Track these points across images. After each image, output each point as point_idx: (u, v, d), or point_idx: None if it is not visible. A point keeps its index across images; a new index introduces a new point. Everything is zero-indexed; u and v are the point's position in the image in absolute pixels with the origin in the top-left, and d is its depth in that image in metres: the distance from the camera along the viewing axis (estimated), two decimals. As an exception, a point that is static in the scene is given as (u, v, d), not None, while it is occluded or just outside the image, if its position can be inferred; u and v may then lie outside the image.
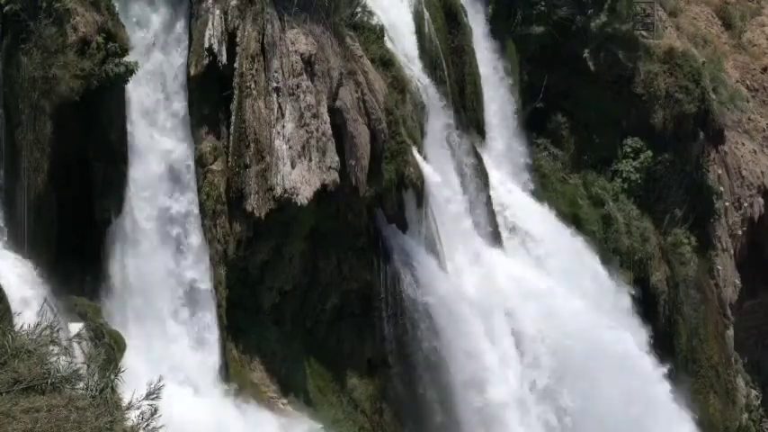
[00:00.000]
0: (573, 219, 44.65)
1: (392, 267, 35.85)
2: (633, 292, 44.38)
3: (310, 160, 32.95)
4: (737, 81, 52.89)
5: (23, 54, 29.00)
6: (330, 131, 33.34)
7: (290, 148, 32.68)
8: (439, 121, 39.26)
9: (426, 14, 39.86)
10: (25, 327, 14.73)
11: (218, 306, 32.44)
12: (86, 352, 25.30)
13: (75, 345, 15.49)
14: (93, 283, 30.68)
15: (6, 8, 28.79)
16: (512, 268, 39.97)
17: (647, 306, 45.17)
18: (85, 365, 14.74)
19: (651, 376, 42.16)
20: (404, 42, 39.07)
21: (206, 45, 32.19)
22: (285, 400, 33.59)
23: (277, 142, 32.59)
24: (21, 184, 29.19)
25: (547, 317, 39.11)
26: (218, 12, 32.51)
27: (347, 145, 33.94)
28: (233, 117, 32.56)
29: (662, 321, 45.88)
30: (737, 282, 49.87)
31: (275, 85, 32.85)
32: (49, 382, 13.84)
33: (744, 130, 51.96)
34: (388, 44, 37.84)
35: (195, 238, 32.32)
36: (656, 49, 47.08)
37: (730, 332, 49.12)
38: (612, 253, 44.93)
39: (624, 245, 45.31)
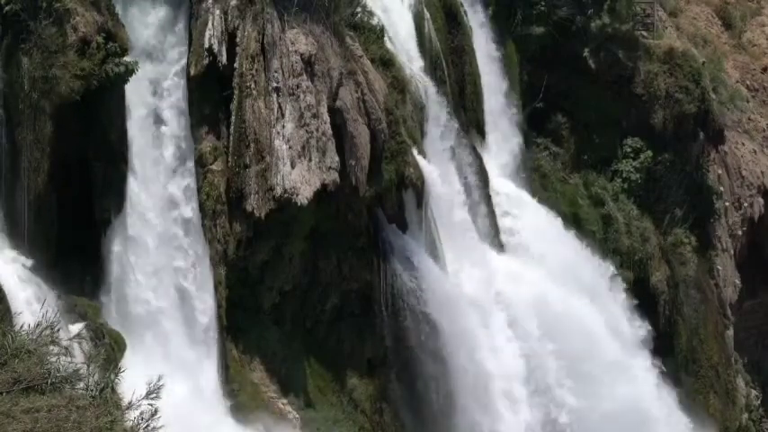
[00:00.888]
0: (573, 219, 44.65)
1: (392, 267, 35.84)
2: (632, 295, 44.42)
3: (310, 160, 32.96)
4: (737, 81, 52.89)
5: (23, 54, 29.00)
6: (330, 131, 33.34)
7: (290, 148, 32.69)
8: (439, 121, 39.26)
9: (426, 14, 39.86)
10: (25, 327, 14.73)
11: (219, 306, 32.43)
12: (86, 352, 25.32)
13: (75, 345, 15.48)
14: (93, 283, 30.68)
15: (6, 8, 28.79)
16: (511, 268, 39.96)
17: (647, 306, 45.15)
18: (85, 365, 14.74)
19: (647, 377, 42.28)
20: (404, 42, 39.08)
21: (206, 45, 32.20)
22: (285, 400, 33.60)
23: (277, 142, 32.59)
24: (21, 184, 29.20)
25: (546, 316, 39.09)
26: (218, 12, 32.52)
27: (347, 145, 33.94)
28: (233, 117, 32.57)
29: (662, 321, 45.86)
30: (737, 282, 49.86)
31: (275, 85, 32.85)
32: (49, 382, 13.84)
33: (744, 130, 51.96)
34: (388, 44, 37.84)
35: (195, 239, 32.33)
36: (656, 49, 47.08)
37: (730, 332, 49.11)
38: (612, 253, 44.93)
39: (624, 245, 45.30)
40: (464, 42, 41.72)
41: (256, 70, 32.69)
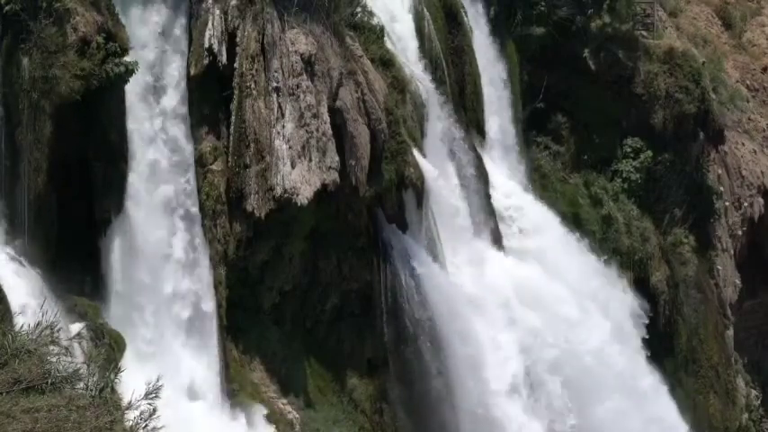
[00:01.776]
0: (573, 219, 44.65)
1: (392, 267, 35.84)
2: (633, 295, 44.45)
3: (310, 160, 32.96)
4: (737, 81, 52.89)
5: (23, 54, 28.98)
6: (330, 131, 33.34)
7: (290, 148, 32.69)
8: (439, 121, 39.25)
9: (426, 14, 39.86)
10: (25, 327, 14.73)
11: (219, 306, 32.43)
12: (86, 352, 25.32)
13: (75, 345, 15.49)
14: (93, 283, 30.66)
15: (6, 8, 28.77)
16: (512, 268, 39.96)
17: (647, 306, 45.16)
18: (85, 365, 14.74)
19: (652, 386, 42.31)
20: (404, 42, 39.08)
21: (206, 45, 32.19)
22: (285, 400, 33.61)
23: (277, 142, 32.59)
24: (21, 184, 29.18)
25: (547, 316, 39.10)
26: (218, 12, 32.51)
27: (347, 145, 33.94)
28: (233, 117, 32.56)
29: (662, 321, 45.87)
30: (737, 282, 49.87)
31: (275, 85, 32.85)
32: (49, 382, 13.84)
33: (744, 130, 51.96)
34: (388, 44, 37.84)
35: (195, 239, 32.33)
36: (656, 49, 47.08)
37: (730, 332, 49.12)
38: (612, 253, 44.93)
39: (624, 245, 45.30)
40: (464, 42, 41.72)
41: (256, 70, 32.68)
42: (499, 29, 44.34)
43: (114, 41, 29.92)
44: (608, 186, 46.06)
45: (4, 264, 28.45)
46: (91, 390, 14.06)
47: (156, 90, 31.99)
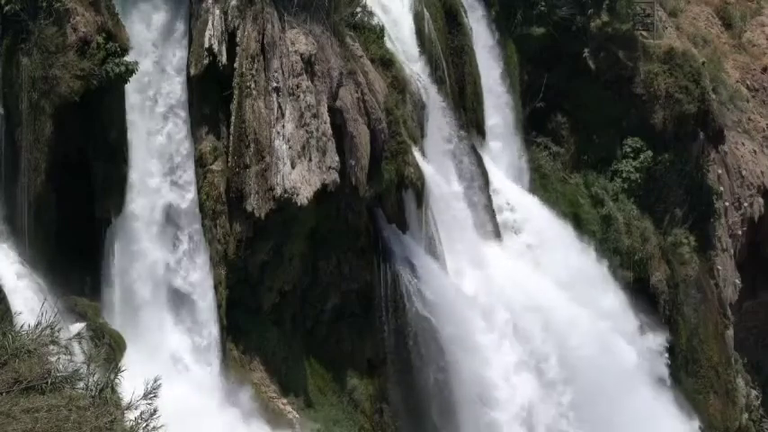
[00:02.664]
0: (573, 219, 44.65)
1: (392, 267, 35.85)
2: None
3: (310, 160, 32.96)
4: (737, 81, 52.87)
5: (23, 54, 28.99)
6: (330, 131, 33.34)
7: (290, 148, 32.69)
8: (439, 121, 39.25)
9: (426, 14, 39.86)
10: (25, 327, 14.73)
11: (219, 306, 32.44)
12: (86, 352, 25.31)
13: (75, 345, 15.49)
14: (93, 283, 30.67)
15: (6, 8, 28.79)
16: (512, 268, 39.96)
17: (647, 306, 45.16)
18: (85, 365, 14.74)
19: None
20: (404, 42, 39.07)
21: (206, 45, 32.18)
22: (285, 400, 33.61)
23: (277, 142, 32.59)
24: (21, 184, 29.19)
25: (547, 316, 39.10)
26: (218, 12, 32.50)
27: (347, 145, 33.94)
28: (233, 117, 32.56)
29: (662, 321, 45.86)
30: (737, 282, 49.86)
31: (275, 85, 32.85)
32: (49, 382, 13.84)
33: (744, 130, 51.94)
34: (388, 44, 37.83)
35: (195, 239, 32.34)
36: (656, 49, 47.07)
37: (730, 332, 49.11)
38: (612, 253, 44.93)
39: (624, 245, 45.30)
40: (464, 42, 41.72)
41: (256, 70, 32.68)
42: (499, 29, 44.34)
43: (114, 41, 29.93)
44: (608, 186, 46.05)
45: (4, 264, 28.46)
46: (91, 390, 14.05)
47: (156, 90, 31.99)
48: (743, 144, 51.19)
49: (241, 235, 32.72)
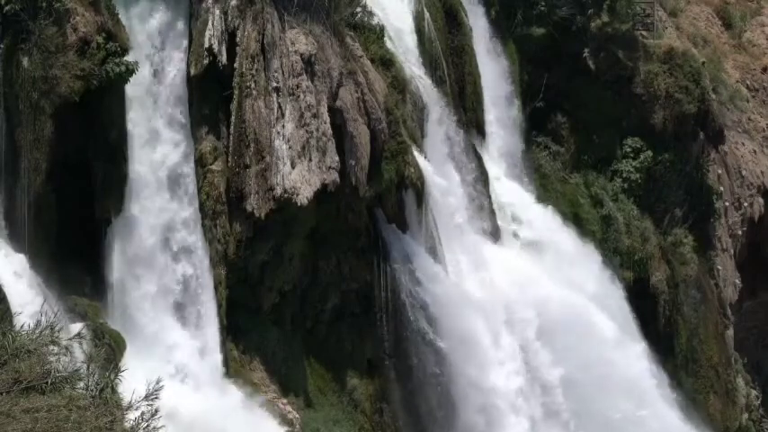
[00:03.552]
0: (573, 219, 44.65)
1: (392, 267, 35.85)
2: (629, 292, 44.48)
3: (310, 160, 32.96)
4: (737, 81, 52.85)
5: (23, 54, 28.99)
6: (330, 131, 33.34)
7: (290, 148, 32.69)
8: (439, 120, 39.24)
9: (426, 14, 39.85)
10: (25, 327, 14.73)
11: (219, 306, 32.43)
12: (86, 352, 25.30)
13: (75, 345, 15.47)
14: (93, 283, 30.67)
15: (6, 8, 28.79)
16: (512, 267, 39.95)
17: (647, 306, 45.15)
18: (85, 365, 14.74)
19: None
20: (404, 42, 39.07)
21: (206, 45, 32.18)
22: (285, 400, 33.60)
23: (277, 142, 32.59)
24: (21, 184, 29.19)
25: (547, 316, 39.08)
26: (218, 12, 32.51)
27: (347, 145, 33.94)
28: (233, 117, 32.56)
29: (662, 321, 45.86)
30: (737, 282, 49.85)
31: (275, 85, 32.85)
32: (49, 382, 13.84)
33: (744, 130, 51.93)
34: (388, 44, 37.83)
35: (195, 239, 32.33)
36: (656, 49, 47.06)
37: (730, 332, 49.11)
38: (612, 253, 44.93)
39: (624, 245, 45.29)
40: (464, 42, 41.72)
41: (256, 70, 32.68)
42: (499, 29, 44.35)
43: (114, 41, 29.94)
44: (608, 186, 46.05)
45: (4, 264, 28.46)
46: (91, 390, 14.05)
47: (156, 90, 32.00)
48: (743, 144, 51.18)
49: (241, 235, 32.72)
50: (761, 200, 50.94)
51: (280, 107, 32.86)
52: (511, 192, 42.64)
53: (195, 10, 32.50)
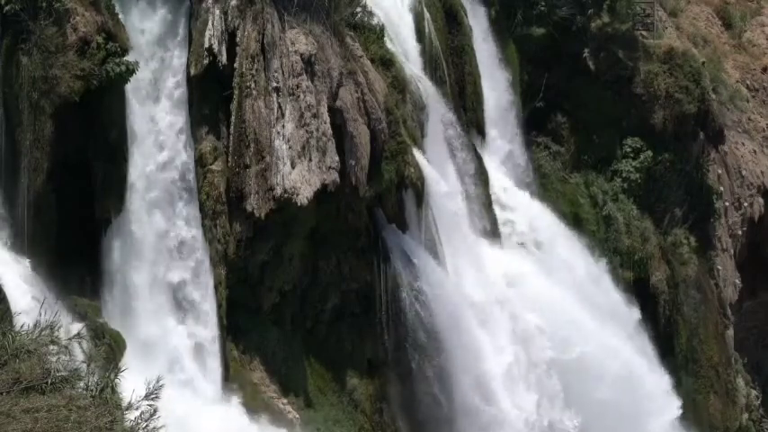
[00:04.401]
0: (573, 218, 44.66)
1: (392, 267, 35.84)
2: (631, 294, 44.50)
3: (310, 160, 32.96)
4: (737, 81, 52.87)
5: (23, 54, 29.01)
6: (330, 131, 33.34)
7: (290, 148, 32.69)
8: (439, 121, 39.25)
9: (426, 14, 39.86)
10: (25, 327, 14.73)
11: (219, 306, 32.44)
12: (86, 352, 25.30)
13: (75, 344, 15.47)
14: (93, 283, 30.67)
15: (6, 8, 28.80)
16: (512, 268, 39.96)
17: (647, 306, 45.16)
18: (85, 365, 14.74)
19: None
20: (404, 42, 39.07)
21: (206, 45, 32.19)
22: (285, 400, 33.61)
23: (277, 142, 32.59)
24: (21, 184, 29.19)
25: (547, 316, 39.09)
26: (218, 12, 32.51)
27: (347, 145, 33.94)
28: (233, 117, 32.56)
29: (662, 321, 45.86)
30: (737, 282, 49.86)
31: (275, 85, 32.85)
32: (49, 382, 13.84)
33: (744, 130, 51.94)
34: (388, 44, 37.83)
35: (195, 239, 32.33)
36: (656, 49, 47.06)
37: (730, 332, 49.11)
38: (612, 253, 44.93)
39: (624, 245, 45.31)
40: (464, 42, 41.72)
41: (256, 70, 32.68)
42: (499, 29, 44.35)
43: (114, 41, 29.95)
44: (608, 186, 46.05)
45: (4, 264, 28.46)
46: (91, 390, 14.05)
47: (157, 90, 32.00)
48: (743, 144, 51.19)
49: (241, 235, 32.73)
50: (761, 200, 50.95)
51: (280, 107, 32.87)
52: (511, 192, 42.64)
53: (195, 10, 32.51)
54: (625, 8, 46.02)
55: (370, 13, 37.11)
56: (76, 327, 27.78)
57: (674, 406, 42.40)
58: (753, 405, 50.42)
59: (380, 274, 35.80)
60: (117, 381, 14.51)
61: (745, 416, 49.26)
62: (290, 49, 33.14)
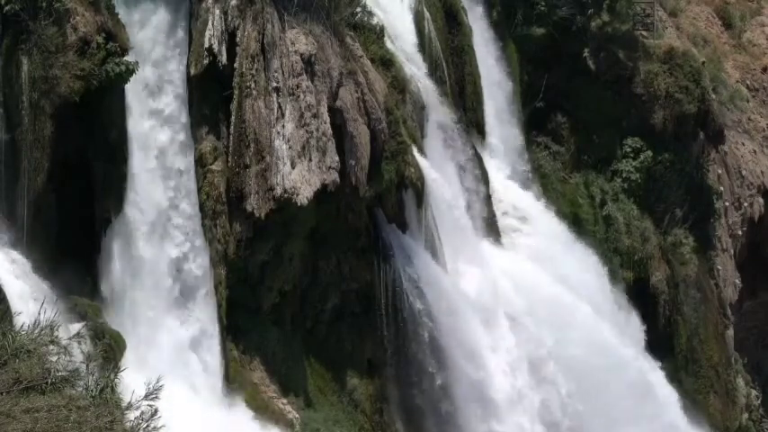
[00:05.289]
0: (573, 219, 44.67)
1: (392, 267, 35.84)
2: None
3: (310, 160, 32.96)
4: (737, 81, 52.88)
5: (23, 54, 28.98)
6: (330, 131, 33.34)
7: (290, 148, 32.69)
8: (439, 120, 39.25)
9: (426, 14, 39.86)
10: (25, 327, 14.73)
11: (219, 306, 32.43)
12: (86, 352, 25.30)
13: (74, 344, 15.47)
14: (93, 283, 30.66)
15: (6, 8, 28.77)
16: (511, 267, 39.95)
17: (647, 306, 45.17)
18: (85, 365, 14.74)
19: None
20: (404, 42, 39.08)
21: (206, 45, 32.18)
22: (285, 400, 33.60)
23: (277, 142, 32.59)
24: (21, 184, 29.17)
25: (547, 316, 39.09)
26: (218, 12, 32.50)
27: (347, 145, 33.94)
28: (233, 117, 32.55)
29: (662, 321, 45.87)
30: (737, 282, 49.87)
31: (275, 85, 32.84)
32: (49, 382, 13.84)
33: (744, 130, 51.96)
34: (388, 44, 37.84)
35: (195, 239, 32.32)
36: (656, 49, 47.08)
37: (730, 332, 49.12)
38: (612, 253, 44.94)
39: (624, 245, 45.32)
40: (464, 42, 41.72)
41: (256, 70, 32.68)
42: (499, 29, 44.35)
43: (114, 41, 29.92)
44: (608, 186, 46.07)
45: (3, 264, 28.44)
46: (91, 390, 14.06)
47: (157, 90, 31.99)
48: (743, 144, 51.21)
49: (241, 235, 32.72)
50: (761, 200, 50.97)
51: (280, 107, 32.86)
52: (511, 192, 42.63)
53: (195, 10, 32.49)
54: (625, 8, 46.04)
55: (370, 13, 37.12)
56: (76, 327, 27.79)
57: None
58: (753, 405, 50.43)
59: (380, 274, 35.80)
60: (117, 380, 14.51)
61: (745, 416, 49.27)
62: (290, 49, 33.14)
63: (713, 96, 48.09)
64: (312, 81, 33.36)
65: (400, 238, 36.38)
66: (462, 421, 36.42)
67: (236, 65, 32.62)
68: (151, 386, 13.73)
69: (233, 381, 32.56)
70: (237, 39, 32.65)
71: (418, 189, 36.40)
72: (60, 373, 14.01)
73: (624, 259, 45.23)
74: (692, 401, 45.15)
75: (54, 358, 14.42)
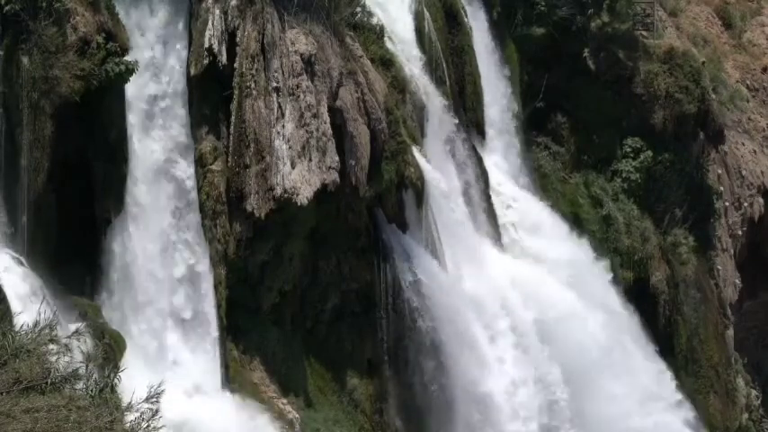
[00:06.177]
0: (573, 219, 44.66)
1: (392, 267, 35.85)
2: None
3: (310, 160, 32.96)
4: (737, 81, 52.88)
5: (23, 54, 28.99)
6: (330, 131, 33.34)
7: (290, 148, 32.69)
8: (439, 120, 39.25)
9: (426, 14, 39.86)
10: (25, 327, 14.73)
11: (218, 306, 32.43)
12: (86, 352, 25.30)
13: (74, 345, 15.47)
14: (93, 283, 30.67)
15: (6, 8, 28.78)
16: (511, 267, 39.96)
17: (647, 306, 45.16)
18: (85, 365, 14.74)
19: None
20: (404, 42, 39.07)
21: (206, 45, 32.18)
22: (285, 400, 33.61)
23: (277, 142, 32.59)
24: (21, 184, 29.18)
25: (547, 316, 39.09)
26: (218, 12, 32.50)
27: (347, 145, 33.94)
28: (233, 117, 32.56)
29: (662, 321, 45.86)
30: (737, 282, 49.87)
31: (275, 85, 32.85)
32: (49, 382, 13.84)
33: (744, 130, 51.96)
34: (388, 44, 37.84)
35: (195, 239, 32.32)
36: (656, 49, 47.08)
37: (730, 332, 49.12)
38: (612, 253, 44.93)
39: (624, 245, 45.31)
40: (464, 42, 41.71)
41: (256, 70, 32.68)
42: (499, 29, 44.34)
43: (114, 41, 29.93)
44: (608, 186, 46.07)
45: (3, 263, 28.45)
46: (91, 390, 14.06)
47: (157, 90, 32.00)
48: (743, 144, 51.21)
49: (241, 235, 32.72)
50: (761, 200, 50.97)
51: (280, 107, 32.87)
52: (511, 191, 42.63)
53: (195, 10, 32.50)
54: (625, 8, 46.04)
55: (370, 13, 37.13)
56: (76, 327, 27.80)
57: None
58: (753, 405, 50.43)
59: (380, 274, 35.82)
60: (116, 381, 14.52)
61: (745, 416, 49.27)
62: (290, 49, 33.15)
63: (713, 96, 48.09)
64: (312, 81, 33.37)
65: (400, 238, 36.39)
66: (461, 421, 36.43)
67: (236, 65, 32.62)
68: (152, 389, 13.73)
69: (233, 381, 32.57)
70: (237, 39, 32.66)
71: (418, 189, 36.41)
72: (60, 373, 14.01)
73: (624, 259, 45.23)
74: (692, 401, 45.14)
75: (54, 358, 14.42)
